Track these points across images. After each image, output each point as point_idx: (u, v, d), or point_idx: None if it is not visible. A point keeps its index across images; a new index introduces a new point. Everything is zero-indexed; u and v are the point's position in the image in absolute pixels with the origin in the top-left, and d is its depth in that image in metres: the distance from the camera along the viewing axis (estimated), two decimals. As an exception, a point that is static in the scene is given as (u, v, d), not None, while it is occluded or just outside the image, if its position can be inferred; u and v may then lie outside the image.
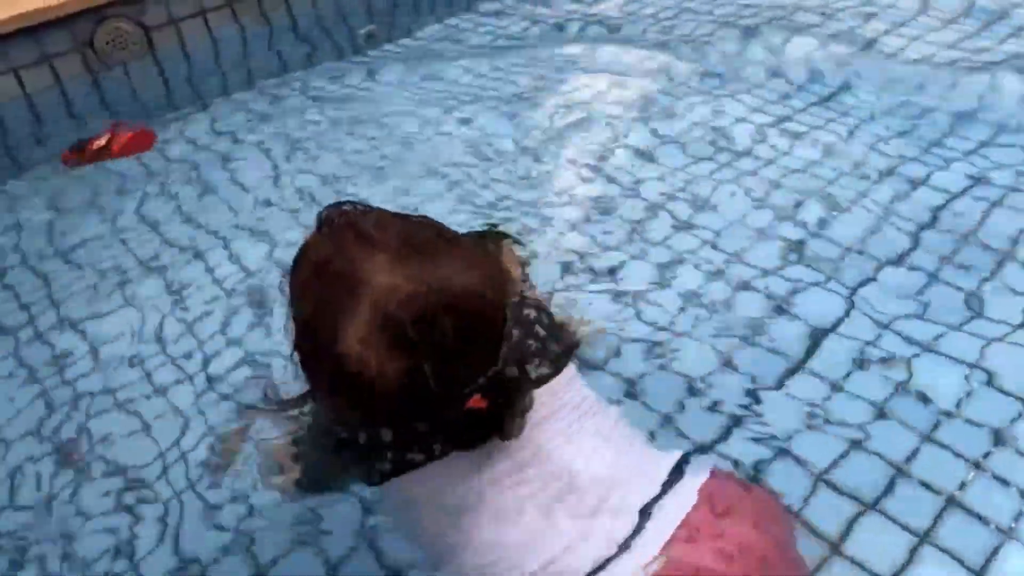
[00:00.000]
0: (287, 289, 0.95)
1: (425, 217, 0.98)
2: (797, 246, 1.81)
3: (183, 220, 2.19)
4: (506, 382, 0.93)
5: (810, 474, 1.37)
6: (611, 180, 2.09)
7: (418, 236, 0.94)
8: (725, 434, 1.45)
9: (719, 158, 2.11)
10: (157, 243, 2.12)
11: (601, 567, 0.93)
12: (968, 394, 1.46)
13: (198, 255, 2.05)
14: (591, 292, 1.77)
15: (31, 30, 2.69)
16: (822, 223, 1.86)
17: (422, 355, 0.87)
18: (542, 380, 0.98)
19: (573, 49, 2.72)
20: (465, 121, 2.41)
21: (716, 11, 2.85)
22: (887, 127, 2.12)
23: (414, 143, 2.36)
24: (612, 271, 1.82)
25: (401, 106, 2.56)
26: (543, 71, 2.60)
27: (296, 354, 0.94)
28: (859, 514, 1.31)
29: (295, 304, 0.94)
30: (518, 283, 1.02)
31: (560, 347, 1.02)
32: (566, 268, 1.84)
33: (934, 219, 1.83)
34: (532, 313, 1.01)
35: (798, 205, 1.92)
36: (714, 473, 1.02)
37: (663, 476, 1.00)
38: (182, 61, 2.97)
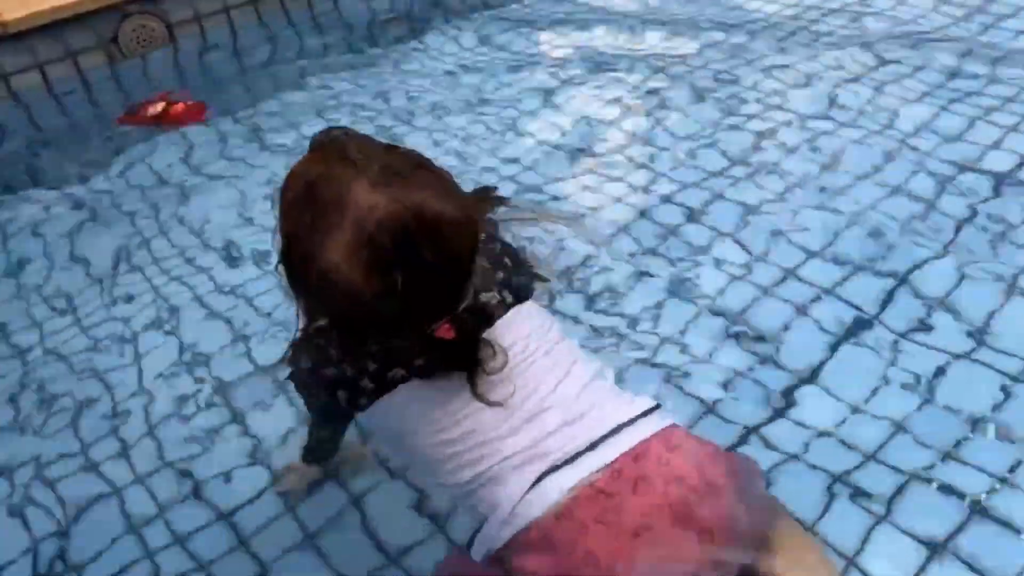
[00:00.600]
0: (276, 205, 1.01)
1: (410, 149, 1.03)
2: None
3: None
4: (476, 311, 1.02)
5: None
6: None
7: (399, 162, 0.99)
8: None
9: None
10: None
11: (558, 467, 1.03)
12: None
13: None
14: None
15: (56, 26, 2.71)
16: None
17: (399, 272, 0.93)
18: (509, 306, 1.08)
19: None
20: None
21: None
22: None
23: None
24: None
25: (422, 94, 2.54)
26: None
27: (281, 267, 1.00)
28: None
29: (282, 220, 1.00)
30: (488, 222, 1.12)
31: (526, 278, 1.13)
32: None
33: None
34: (498, 247, 1.13)
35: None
36: (677, 426, 1.10)
37: (635, 410, 1.08)
38: (204, 56, 2.98)
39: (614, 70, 2.51)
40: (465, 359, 1.02)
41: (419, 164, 1.00)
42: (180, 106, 2.60)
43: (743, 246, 1.79)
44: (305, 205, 0.97)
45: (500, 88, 2.55)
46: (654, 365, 1.56)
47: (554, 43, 2.80)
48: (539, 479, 1.03)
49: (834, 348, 1.54)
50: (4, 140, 2.65)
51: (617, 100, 2.35)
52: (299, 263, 0.98)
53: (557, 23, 2.94)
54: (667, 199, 1.96)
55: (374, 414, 1.09)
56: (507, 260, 1.12)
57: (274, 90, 2.74)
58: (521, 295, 1.11)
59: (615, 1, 3.06)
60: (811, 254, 1.74)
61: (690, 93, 2.33)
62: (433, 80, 2.68)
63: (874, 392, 1.45)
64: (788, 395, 1.48)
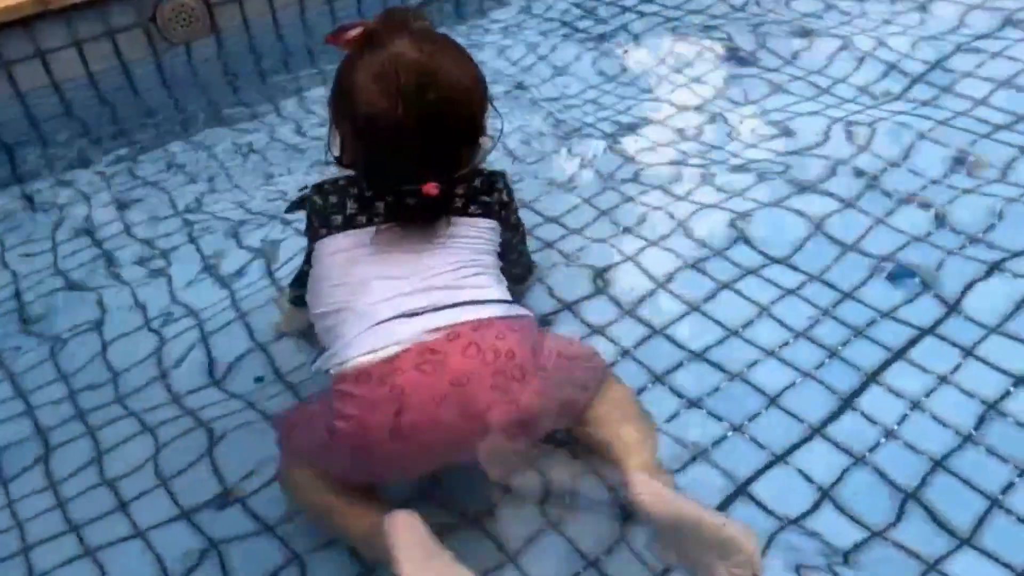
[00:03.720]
0: None
1: (456, 42, 1.31)
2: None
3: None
4: (459, 183, 1.31)
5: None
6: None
7: (440, 38, 1.30)
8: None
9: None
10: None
11: (411, 315, 1.22)
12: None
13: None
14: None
15: (95, 3, 2.64)
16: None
17: (406, 107, 1.19)
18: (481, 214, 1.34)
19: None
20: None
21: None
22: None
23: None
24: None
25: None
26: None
27: (329, 102, 1.30)
28: None
29: (341, 64, 1.29)
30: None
31: (504, 188, 1.40)
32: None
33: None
34: (515, 205, 1.45)
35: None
36: (531, 319, 1.32)
37: (496, 295, 1.30)
38: (245, 38, 2.92)
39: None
40: (428, 216, 1.28)
41: (455, 45, 1.30)
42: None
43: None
44: (358, 46, 1.26)
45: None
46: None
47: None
48: (381, 323, 1.21)
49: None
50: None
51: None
52: (339, 88, 1.27)
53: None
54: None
55: (320, 250, 1.33)
56: (507, 203, 1.41)
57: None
58: (492, 212, 1.36)
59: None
60: None
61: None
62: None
63: None
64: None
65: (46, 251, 2.14)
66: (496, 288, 1.35)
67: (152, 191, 2.30)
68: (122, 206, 2.26)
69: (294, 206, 1.76)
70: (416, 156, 1.24)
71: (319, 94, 2.63)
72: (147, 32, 2.77)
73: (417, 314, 1.23)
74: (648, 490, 1.17)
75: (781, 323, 1.64)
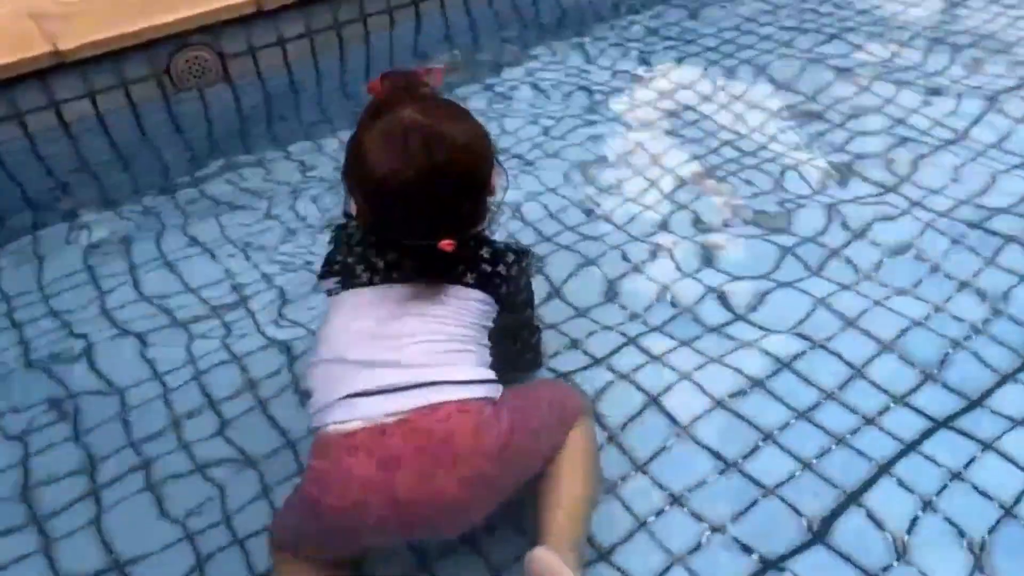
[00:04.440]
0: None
1: (460, 106, 1.38)
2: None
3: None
4: (474, 244, 1.37)
5: None
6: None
7: (450, 105, 1.36)
8: None
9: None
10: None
11: (376, 392, 1.26)
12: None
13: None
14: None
15: (110, 56, 2.65)
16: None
17: (415, 170, 1.24)
18: (476, 285, 1.36)
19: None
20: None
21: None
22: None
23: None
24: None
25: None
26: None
27: (343, 168, 1.35)
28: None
29: (353, 132, 1.34)
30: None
31: (515, 263, 1.42)
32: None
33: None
34: (524, 277, 1.48)
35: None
36: (491, 400, 1.31)
37: (460, 376, 1.30)
38: (258, 90, 2.92)
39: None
40: (436, 272, 1.32)
41: (459, 108, 1.36)
42: None
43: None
44: (367, 117, 1.31)
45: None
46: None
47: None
48: (351, 395, 1.26)
49: None
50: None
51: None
52: (350, 156, 1.32)
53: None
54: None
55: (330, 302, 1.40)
56: (509, 278, 1.41)
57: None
58: (490, 286, 1.38)
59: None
60: None
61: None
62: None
63: None
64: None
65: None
66: (469, 367, 1.34)
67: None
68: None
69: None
70: (427, 215, 1.29)
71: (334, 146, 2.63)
72: (160, 84, 2.78)
73: (384, 391, 1.27)
74: (540, 565, 1.22)
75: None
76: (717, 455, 1.54)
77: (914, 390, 1.61)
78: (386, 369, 1.29)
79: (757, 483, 1.48)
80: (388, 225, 1.33)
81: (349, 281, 1.38)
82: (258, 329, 1.95)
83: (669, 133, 2.52)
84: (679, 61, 2.91)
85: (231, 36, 2.83)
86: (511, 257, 1.42)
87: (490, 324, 1.40)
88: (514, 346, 1.59)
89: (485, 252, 1.39)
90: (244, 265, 2.16)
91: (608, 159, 2.43)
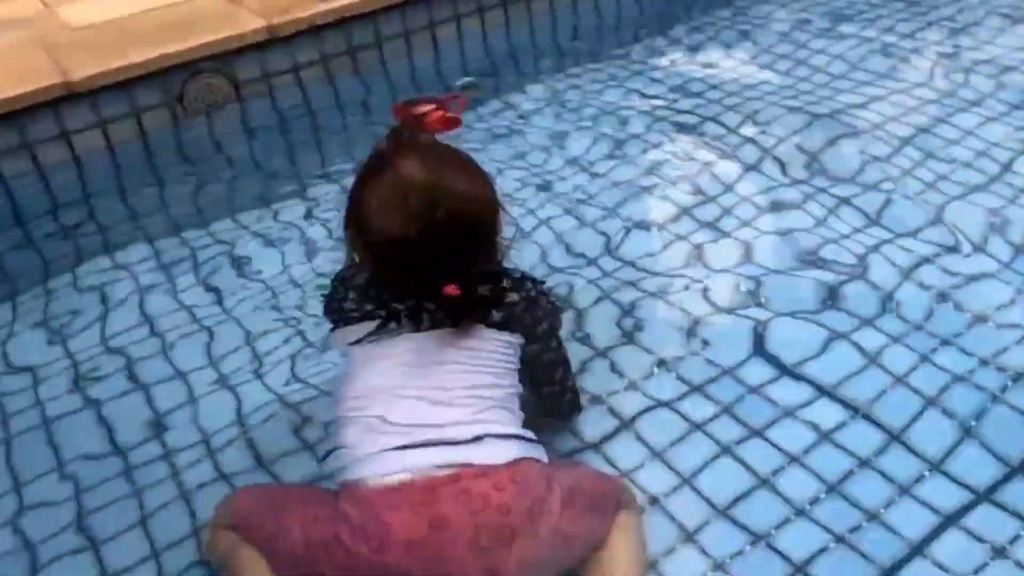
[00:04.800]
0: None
1: (463, 153, 1.33)
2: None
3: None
4: (480, 282, 1.28)
5: None
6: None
7: (450, 154, 1.31)
8: None
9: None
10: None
11: (421, 445, 1.21)
12: None
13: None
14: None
15: (123, 84, 2.62)
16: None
17: (418, 228, 1.21)
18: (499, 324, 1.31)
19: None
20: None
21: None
22: None
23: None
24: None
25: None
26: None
27: (343, 224, 1.31)
28: None
29: (353, 185, 1.30)
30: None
31: (533, 288, 1.38)
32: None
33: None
34: (542, 303, 1.40)
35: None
36: (539, 463, 1.27)
37: (506, 431, 1.26)
38: (272, 116, 2.88)
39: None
40: (457, 316, 1.27)
41: (461, 156, 1.32)
42: (438, 114, 2.33)
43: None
44: (368, 172, 1.28)
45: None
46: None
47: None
48: (392, 449, 1.21)
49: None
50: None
51: None
52: (352, 213, 1.29)
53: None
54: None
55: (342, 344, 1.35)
56: (533, 300, 1.37)
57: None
58: (514, 319, 1.33)
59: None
60: None
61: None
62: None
63: None
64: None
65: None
66: (511, 422, 1.30)
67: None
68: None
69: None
70: (432, 270, 1.25)
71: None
72: (172, 111, 2.74)
73: (428, 444, 1.22)
74: None
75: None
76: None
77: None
78: (426, 427, 1.24)
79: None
80: (395, 282, 1.31)
81: (373, 330, 1.31)
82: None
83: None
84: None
85: (244, 63, 2.78)
86: (529, 284, 1.39)
87: (518, 364, 1.36)
88: (549, 388, 1.51)
89: (506, 283, 1.35)
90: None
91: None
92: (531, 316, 1.38)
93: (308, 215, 2.41)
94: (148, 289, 2.19)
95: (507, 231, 1.37)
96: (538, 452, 1.30)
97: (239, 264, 2.25)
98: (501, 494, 1.19)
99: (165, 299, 2.15)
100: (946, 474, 1.48)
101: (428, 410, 1.25)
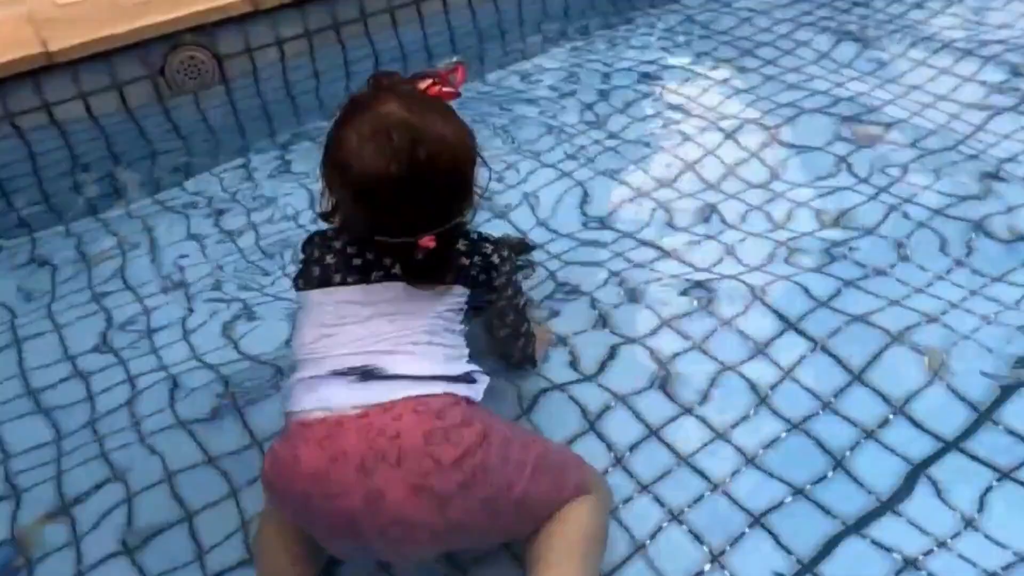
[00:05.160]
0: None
1: (448, 105, 1.31)
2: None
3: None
4: (455, 238, 1.32)
5: None
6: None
7: (430, 101, 1.29)
8: None
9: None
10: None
11: (346, 379, 1.24)
12: None
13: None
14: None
15: (102, 56, 2.62)
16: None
17: (399, 165, 1.19)
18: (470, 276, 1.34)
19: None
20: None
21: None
22: None
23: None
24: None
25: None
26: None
27: (320, 165, 1.29)
28: None
29: (332, 127, 1.28)
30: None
31: (493, 251, 1.38)
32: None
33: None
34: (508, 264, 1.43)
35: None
36: (466, 401, 1.25)
37: (431, 373, 1.26)
38: (253, 91, 2.87)
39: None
40: (417, 273, 1.28)
41: (442, 104, 1.30)
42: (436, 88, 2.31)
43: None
44: (347, 113, 1.26)
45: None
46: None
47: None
48: (320, 387, 1.24)
49: None
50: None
51: None
52: (330, 150, 1.26)
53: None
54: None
55: (302, 300, 1.37)
56: (493, 266, 1.37)
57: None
58: (468, 280, 1.34)
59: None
60: None
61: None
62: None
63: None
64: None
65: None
66: (436, 361, 1.29)
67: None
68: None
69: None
70: (410, 212, 1.25)
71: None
72: (155, 84, 2.74)
73: (354, 384, 1.24)
74: None
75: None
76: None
77: None
78: (358, 370, 1.25)
79: None
80: (367, 222, 1.29)
81: (323, 277, 1.34)
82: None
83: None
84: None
85: (226, 36, 2.78)
86: (488, 247, 1.39)
87: (460, 317, 1.36)
88: (502, 331, 1.53)
89: (461, 245, 1.36)
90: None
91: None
92: (489, 276, 1.37)
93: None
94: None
95: (481, 183, 1.35)
96: (471, 392, 1.27)
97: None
98: (397, 423, 1.18)
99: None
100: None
101: (362, 356, 1.26)
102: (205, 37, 2.75)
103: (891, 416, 1.48)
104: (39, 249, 2.29)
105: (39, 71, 2.55)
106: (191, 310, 1.99)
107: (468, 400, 1.26)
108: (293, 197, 2.36)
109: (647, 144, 2.37)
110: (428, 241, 1.26)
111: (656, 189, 2.18)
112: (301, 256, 1.42)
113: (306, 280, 1.37)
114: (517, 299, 1.51)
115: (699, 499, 1.41)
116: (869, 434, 1.46)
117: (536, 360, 1.65)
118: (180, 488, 1.55)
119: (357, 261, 1.32)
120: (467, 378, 1.30)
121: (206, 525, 1.48)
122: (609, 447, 1.51)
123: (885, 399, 1.51)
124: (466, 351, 1.35)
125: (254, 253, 2.17)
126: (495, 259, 1.38)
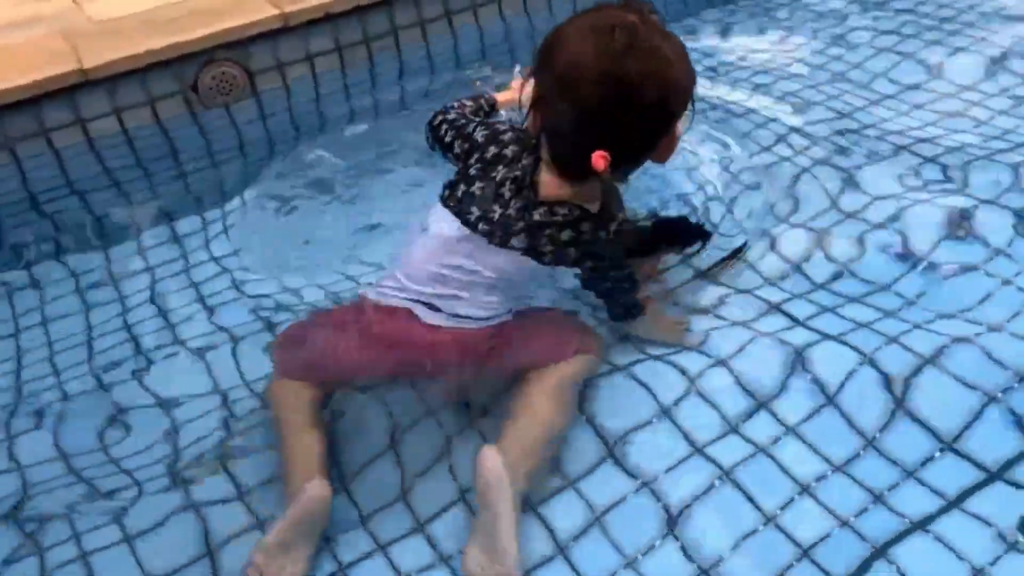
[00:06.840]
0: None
1: (683, 44, 1.28)
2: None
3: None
4: (632, 163, 1.34)
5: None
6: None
7: (671, 35, 1.26)
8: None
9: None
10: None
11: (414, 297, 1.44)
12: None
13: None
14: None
15: (137, 72, 2.64)
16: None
17: (610, 68, 1.17)
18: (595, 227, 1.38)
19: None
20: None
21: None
22: None
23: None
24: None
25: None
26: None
27: (532, 66, 1.32)
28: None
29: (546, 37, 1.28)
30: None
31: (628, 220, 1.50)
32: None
33: None
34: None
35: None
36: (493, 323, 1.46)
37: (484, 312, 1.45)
38: (285, 105, 2.87)
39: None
40: (540, 229, 1.36)
41: (681, 43, 1.26)
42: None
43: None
44: (582, 13, 1.27)
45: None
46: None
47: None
48: (397, 286, 1.45)
49: None
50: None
51: None
52: (547, 38, 1.27)
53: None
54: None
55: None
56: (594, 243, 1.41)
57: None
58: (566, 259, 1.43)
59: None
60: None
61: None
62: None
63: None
64: None
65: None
66: (494, 311, 1.45)
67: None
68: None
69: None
70: (595, 120, 1.22)
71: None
72: (187, 100, 2.75)
73: (412, 299, 1.43)
74: (486, 466, 1.25)
75: None
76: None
77: None
78: (431, 283, 1.43)
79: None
80: (560, 128, 1.28)
81: (459, 176, 1.46)
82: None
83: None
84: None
85: (258, 52, 2.78)
86: (614, 226, 1.39)
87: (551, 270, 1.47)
88: (601, 295, 1.58)
89: (564, 211, 1.38)
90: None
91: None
92: (593, 251, 1.42)
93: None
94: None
95: (682, 131, 1.32)
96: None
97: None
98: (435, 333, 1.41)
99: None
100: None
101: (438, 273, 1.42)
102: (236, 52, 2.76)
103: None
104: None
105: (74, 88, 2.57)
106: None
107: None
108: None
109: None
110: (599, 158, 1.21)
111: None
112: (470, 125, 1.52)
113: (451, 150, 1.55)
114: (611, 272, 1.50)
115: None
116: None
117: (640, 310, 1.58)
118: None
119: (499, 170, 1.41)
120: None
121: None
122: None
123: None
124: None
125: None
126: (602, 238, 1.40)
